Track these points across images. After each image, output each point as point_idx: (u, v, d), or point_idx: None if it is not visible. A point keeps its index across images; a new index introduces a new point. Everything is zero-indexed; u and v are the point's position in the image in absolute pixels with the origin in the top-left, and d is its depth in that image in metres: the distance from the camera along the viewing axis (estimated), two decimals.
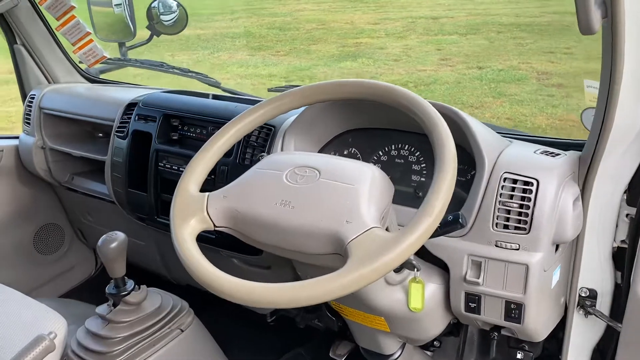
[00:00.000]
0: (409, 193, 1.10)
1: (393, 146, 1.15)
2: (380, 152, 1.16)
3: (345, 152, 1.20)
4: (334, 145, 1.21)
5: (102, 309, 1.07)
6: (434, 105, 0.88)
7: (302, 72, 6.89)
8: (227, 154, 1.07)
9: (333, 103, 1.08)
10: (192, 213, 0.85)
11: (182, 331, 1.13)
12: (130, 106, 1.44)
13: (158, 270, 1.78)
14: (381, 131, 1.17)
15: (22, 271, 1.86)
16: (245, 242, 0.86)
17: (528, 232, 0.92)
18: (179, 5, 1.85)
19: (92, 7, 1.86)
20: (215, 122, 1.29)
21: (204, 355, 1.22)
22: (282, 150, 1.14)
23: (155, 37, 1.88)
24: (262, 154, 1.11)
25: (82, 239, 2.01)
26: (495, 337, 1.07)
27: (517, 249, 0.93)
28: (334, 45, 8.44)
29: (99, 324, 1.06)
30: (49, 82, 1.77)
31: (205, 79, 1.66)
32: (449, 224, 0.84)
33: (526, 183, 0.94)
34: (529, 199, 0.92)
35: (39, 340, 0.96)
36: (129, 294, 1.05)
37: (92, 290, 1.94)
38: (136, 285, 1.09)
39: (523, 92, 5.41)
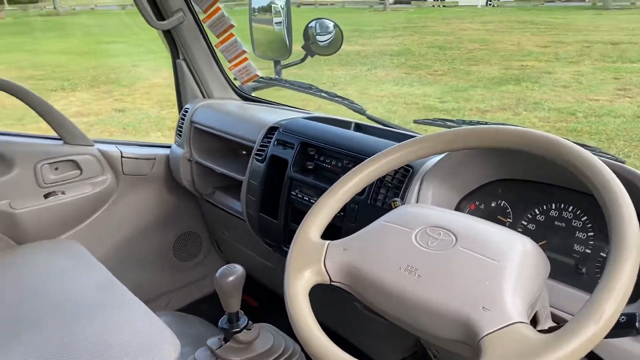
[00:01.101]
0: (569, 266, 0.91)
1: (553, 205, 0.97)
2: (536, 210, 0.98)
3: (492, 205, 1.04)
4: (480, 195, 1.05)
5: (212, 341, 1.04)
6: (611, 166, 0.70)
7: (458, 94, 6.64)
8: (359, 192, 0.98)
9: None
10: (308, 263, 0.77)
11: None
12: (272, 130, 1.42)
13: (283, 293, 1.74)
14: (540, 185, 0.99)
15: (160, 274, 1.95)
16: None
17: None
18: (335, 26, 1.81)
19: (254, 24, 1.89)
20: (351, 156, 1.21)
21: None
22: (418, 196, 1.02)
23: (309, 57, 1.86)
24: (395, 199, 1.00)
25: (218, 251, 2.06)
26: None
27: None
28: (496, 67, 8.05)
29: (208, 358, 1.03)
30: (204, 97, 1.84)
31: (351, 105, 1.60)
32: (620, 328, 0.65)
33: None
34: None
35: None
36: (240, 331, 1.01)
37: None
38: (249, 322, 1.04)
39: None
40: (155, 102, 6.76)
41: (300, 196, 1.29)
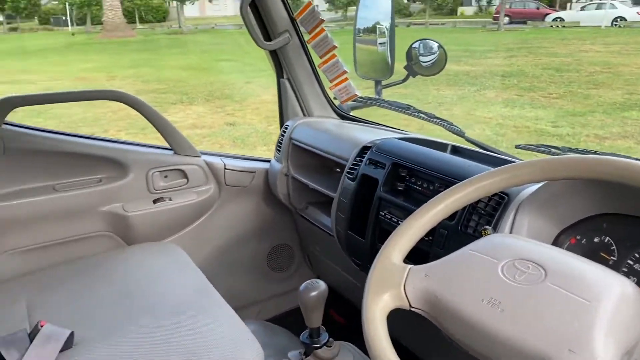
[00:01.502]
0: None
1: None
2: None
3: (595, 240, 0.96)
4: (582, 229, 0.98)
5: (293, 354, 1.06)
6: None
7: (574, 118, 6.25)
8: (450, 217, 0.96)
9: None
10: (388, 286, 0.76)
11: None
12: (365, 149, 1.43)
13: None
14: None
15: (253, 282, 2.02)
16: None
17: None
18: (439, 47, 1.79)
19: (357, 44, 1.92)
20: (443, 179, 1.18)
21: None
22: (512, 226, 0.97)
23: (411, 77, 1.86)
24: (487, 227, 0.97)
25: (309, 265, 2.10)
26: None
27: None
28: (619, 91, 7.48)
29: None
30: (304, 115, 1.89)
31: (450, 126, 1.56)
32: None
33: None
34: None
35: None
36: (320, 347, 1.02)
37: None
38: (330, 339, 1.05)
39: None
40: (264, 118, 7.05)
41: (388, 217, 1.29)
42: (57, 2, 22.08)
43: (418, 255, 1.01)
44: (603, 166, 0.73)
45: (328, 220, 1.62)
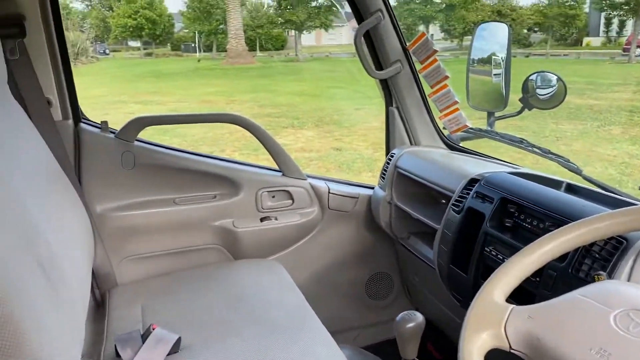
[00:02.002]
0: None
1: None
2: None
3: None
4: None
5: None
6: None
7: None
8: (561, 258, 0.91)
9: None
10: (487, 325, 0.74)
11: None
12: (472, 182, 1.40)
13: None
14: None
15: (350, 308, 2.02)
16: None
17: None
18: (558, 79, 1.72)
19: (471, 75, 1.89)
20: (555, 218, 1.12)
21: None
22: (630, 274, 0.90)
23: (527, 110, 1.79)
24: (600, 272, 0.90)
25: (407, 295, 2.07)
26: None
27: None
28: None
29: None
30: (411, 144, 1.89)
31: (566, 163, 1.49)
32: None
33: None
34: None
35: None
36: None
37: None
38: None
39: None
40: (370, 144, 7.11)
41: (494, 253, 1.24)
42: (187, 31, 24.03)
43: (523, 295, 0.96)
44: None
45: (430, 252, 1.60)
